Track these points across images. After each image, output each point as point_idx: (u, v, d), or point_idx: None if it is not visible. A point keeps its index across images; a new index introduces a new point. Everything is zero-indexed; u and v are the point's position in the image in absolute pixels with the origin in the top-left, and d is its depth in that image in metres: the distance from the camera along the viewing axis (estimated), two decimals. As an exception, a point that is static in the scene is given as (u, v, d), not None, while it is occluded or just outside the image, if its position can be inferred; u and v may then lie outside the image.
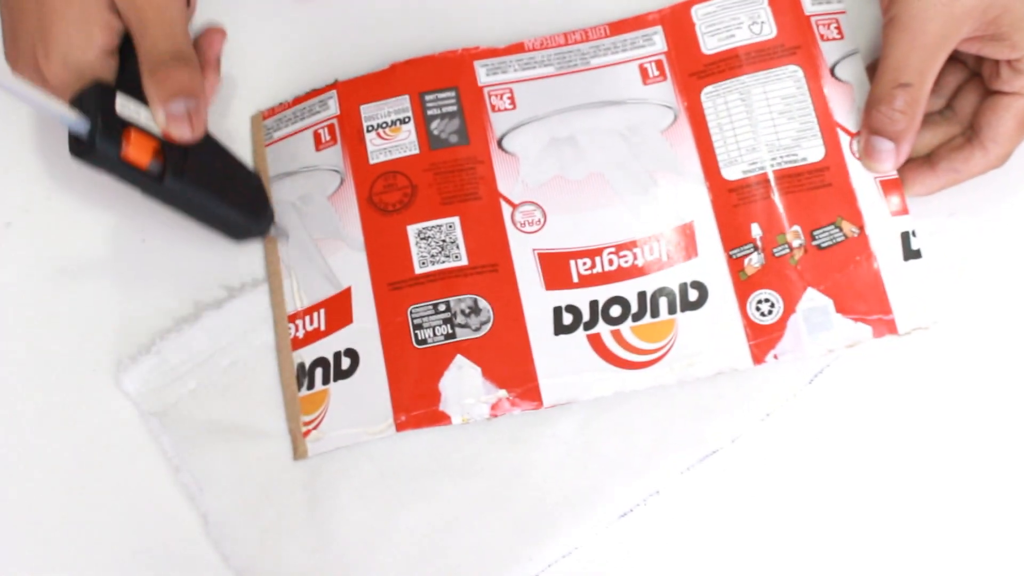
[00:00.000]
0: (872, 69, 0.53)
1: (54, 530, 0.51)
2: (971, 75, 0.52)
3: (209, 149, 0.50)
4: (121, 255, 0.55)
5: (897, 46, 0.48)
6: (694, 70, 0.54)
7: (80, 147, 0.46)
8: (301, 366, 0.52)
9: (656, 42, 0.54)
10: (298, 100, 0.55)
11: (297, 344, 0.52)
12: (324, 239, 0.53)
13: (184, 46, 0.48)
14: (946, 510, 0.51)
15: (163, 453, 0.52)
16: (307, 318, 0.52)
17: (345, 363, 0.51)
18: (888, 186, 0.51)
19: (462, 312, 0.51)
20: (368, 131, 0.54)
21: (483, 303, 0.51)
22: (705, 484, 0.51)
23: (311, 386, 0.51)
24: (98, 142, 0.45)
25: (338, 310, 0.52)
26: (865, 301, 0.50)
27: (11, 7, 0.49)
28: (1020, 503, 0.51)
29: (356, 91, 0.54)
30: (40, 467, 0.52)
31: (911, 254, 0.50)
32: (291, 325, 0.52)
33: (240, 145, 0.56)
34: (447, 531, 0.51)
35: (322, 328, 0.52)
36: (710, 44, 0.54)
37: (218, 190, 0.49)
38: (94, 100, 0.46)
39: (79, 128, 0.45)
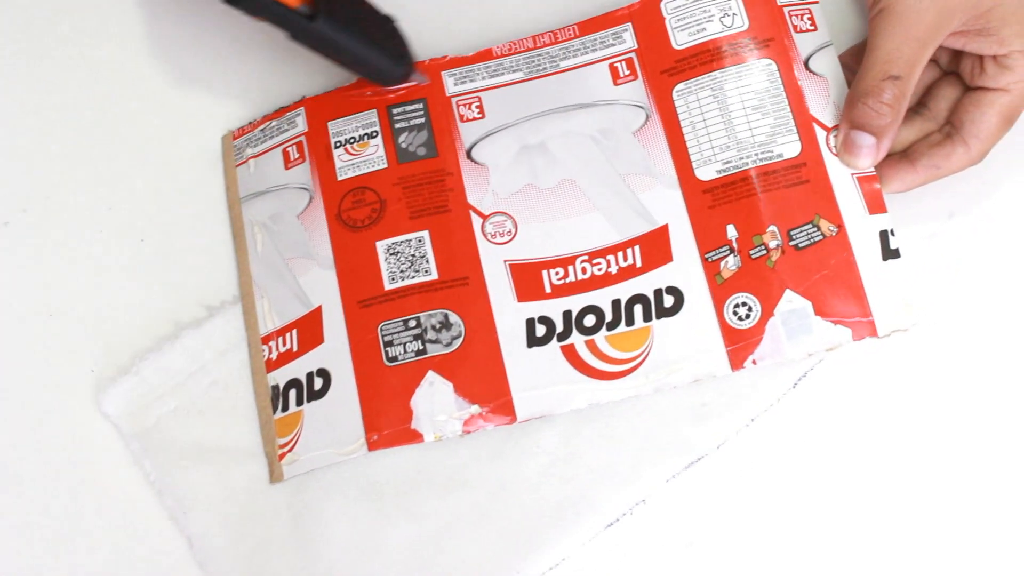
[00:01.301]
0: (845, 61, 0.51)
1: (38, 556, 0.52)
2: (943, 74, 0.51)
3: None
4: (106, 271, 0.55)
5: (889, 37, 0.47)
6: (665, 67, 0.52)
7: None
8: (275, 388, 0.51)
9: (626, 40, 0.53)
10: (267, 118, 0.55)
11: (271, 366, 0.52)
12: (294, 258, 0.52)
13: None
14: (934, 512, 0.50)
15: (146, 476, 0.52)
16: (280, 339, 0.52)
17: (318, 383, 0.51)
18: (865, 182, 0.49)
19: (432, 328, 0.50)
20: (336, 147, 0.53)
21: (454, 317, 0.50)
22: (691, 492, 0.51)
23: (285, 408, 0.51)
24: None
25: (309, 330, 0.51)
26: (844, 303, 0.48)
27: None
28: (1007, 506, 0.50)
29: (323, 107, 0.54)
30: (24, 490, 0.52)
31: (890, 254, 0.49)
32: (264, 347, 0.52)
33: (212, 166, 0.56)
34: (433, 547, 0.50)
35: (294, 349, 0.51)
36: (680, 39, 0.52)
37: (364, 32, 0.50)
38: None
39: None
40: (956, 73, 0.50)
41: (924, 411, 0.51)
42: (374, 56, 0.51)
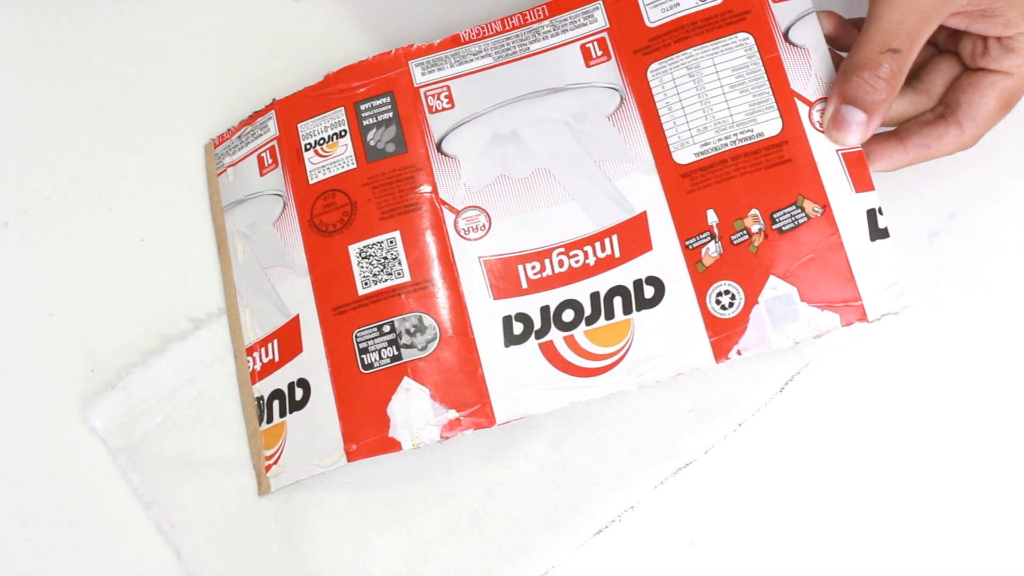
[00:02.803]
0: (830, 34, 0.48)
1: (26, 572, 0.52)
2: (937, 52, 0.49)
3: None
4: (95, 283, 0.55)
5: (892, 7, 0.44)
6: (639, 46, 0.50)
7: None
8: (260, 399, 0.51)
9: (597, 18, 0.51)
10: (243, 124, 0.54)
11: (255, 377, 0.51)
12: (272, 267, 0.52)
13: None
14: (923, 515, 0.49)
15: (134, 490, 0.52)
16: (263, 350, 0.51)
17: (298, 394, 0.50)
18: (851, 159, 0.46)
19: (407, 332, 0.49)
20: (306, 149, 0.52)
21: (428, 320, 0.49)
22: (680, 497, 0.50)
23: (270, 419, 0.51)
24: None
25: (289, 340, 0.51)
26: (832, 287, 0.46)
27: None
28: (1004, 513, 0.48)
29: (293, 109, 0.53)
30: (11, 505, 0.53)
31: (878, 233, 0.46)
32: (249, 358, 0.52)
33: (196, 176, 0.55)
34: (423, 556, 0.50)
35: (276, 359, 0.51)
36: (654, 16, 0.49)
37: None
38: None
39: None
40: (954, 52, 0.48)
41: (921, 413, 0.50)
42: None
